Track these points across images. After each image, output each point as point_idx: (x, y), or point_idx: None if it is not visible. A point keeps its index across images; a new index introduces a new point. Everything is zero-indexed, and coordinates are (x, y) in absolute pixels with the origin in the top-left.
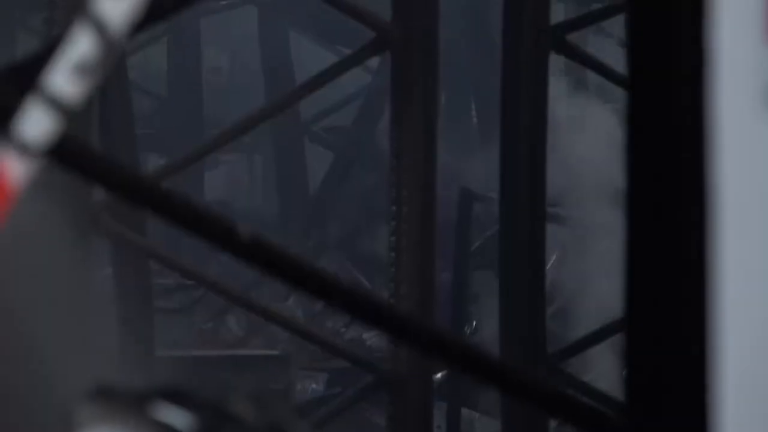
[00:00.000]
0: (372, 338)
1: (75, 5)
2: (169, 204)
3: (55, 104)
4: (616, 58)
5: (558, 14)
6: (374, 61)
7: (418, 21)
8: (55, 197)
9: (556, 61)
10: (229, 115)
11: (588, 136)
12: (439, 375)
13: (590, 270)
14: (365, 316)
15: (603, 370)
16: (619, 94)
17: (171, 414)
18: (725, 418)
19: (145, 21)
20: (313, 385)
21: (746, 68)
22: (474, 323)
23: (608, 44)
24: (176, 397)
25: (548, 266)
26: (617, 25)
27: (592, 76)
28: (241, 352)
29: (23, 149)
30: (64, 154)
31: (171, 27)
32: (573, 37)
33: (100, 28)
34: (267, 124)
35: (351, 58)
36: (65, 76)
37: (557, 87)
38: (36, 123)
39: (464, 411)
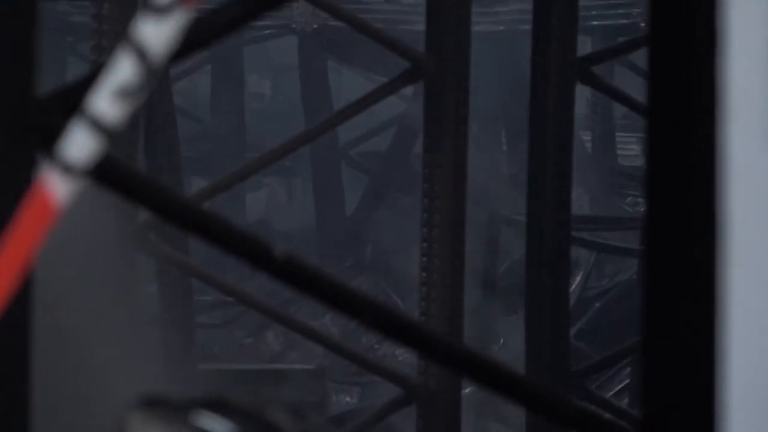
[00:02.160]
0: (404, 354)
1: (120, 33)
2: (210, 225)
3: (98, 126)
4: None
5: (585, 47)
6: (408, 90)
7: (450, 53)
8: (103, 217)
9: (582, 91)
10: (269, 139)
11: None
12: (467, 390)
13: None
14: (396, 334)
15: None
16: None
17: (213, 422)
18: None
19: (187, 48)
20: (347, 398)
21: (755, 102)
22: (501, 341)
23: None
24: (217, 406)
25: (572, 287)
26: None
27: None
28: (279, 366)
29: (67, 169)
30: (107, 175)
31: (215, 55)
32: (599, 69)
33: (141, 54)
34: (306, 148)
35: (386, 87)
36: (108, 100)
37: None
38: (80, 144)
39: (493, 425)
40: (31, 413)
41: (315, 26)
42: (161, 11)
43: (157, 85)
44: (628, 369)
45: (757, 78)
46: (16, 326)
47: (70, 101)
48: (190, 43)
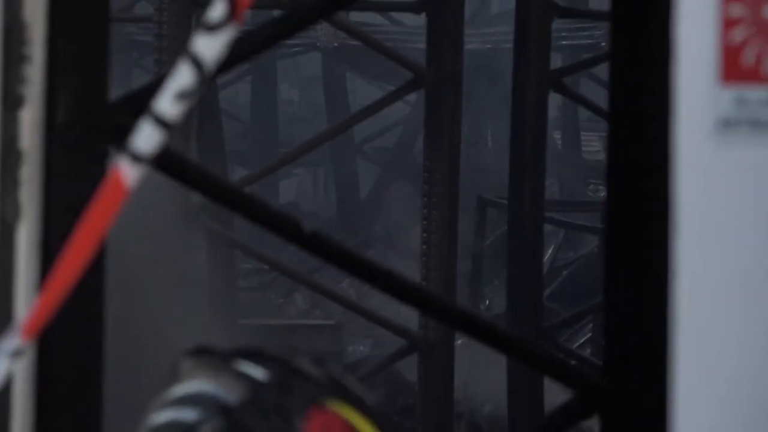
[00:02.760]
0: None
1: (175, 50)
2: (250, 206)
3: (160, 123)
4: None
5: (556, 62)
6: (412, 97)
7: (446, 66)
8: (164, 199)
9: (554, 98)
10: (298, 137)
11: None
12: (459, 341)
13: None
14: (401, 296)
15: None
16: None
17: (250, 368)
18: (678, 380)
19: (232, 61)
20: (361, 348)
21: (703, 105)
22: (487, 302)
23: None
24: (254, 355)
25: (545, 258)
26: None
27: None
28: (305, 322)
29: (135, 159)
30: (168, 164)
31: (254, 67)
32: (568, 80)
33: (196, 64)
34: (327, 144)
35: (393, 94)
36: (168, 102)
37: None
38: (145, 138)
39: (480, 370)
40: (105, 361)
41: (336, 44)
42: (212, 30)
43: (207, 90)
44: (591, 325)
45: (703, 87)
46: (93, 289)
47: (135, 104)
48: (234, 57)
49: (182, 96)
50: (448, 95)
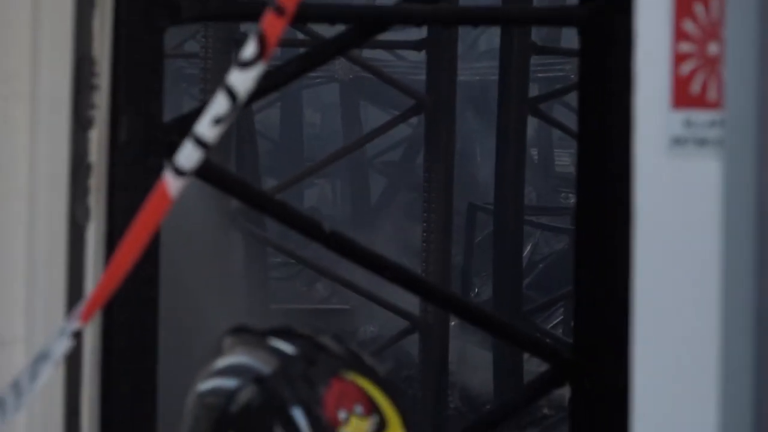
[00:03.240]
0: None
1: (219, 80)
2: (280, 210)
3: (199, 144)
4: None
5: (534, 91)
6: (414, 120)
7: (442, 94)
8: (207, 204)
9: (532, 121)
10: (319, 153)
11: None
12: (453, 323)
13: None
14: (405, 284)
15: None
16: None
17: (281, 344)
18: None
19: (264, 91)
20: (371, 329)
21: (658, 125)
22: (476, 290)
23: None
24: (284, 333)
25: (525, 253)
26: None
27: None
28: (325, 307)
29: (178, 173)
30: (210, 175)
31: (283, 95)
32: (543, 106)
33: (232, 94)
34: (344, 159)
35: (398, 117)
36: (207, 126)
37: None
38: (187, 156)
39: (470, 347)
40: (158, 338)
41: (351, 76)
42: (245, 66)
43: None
44: (562, 309)
45: (657, 112)
46: (148, 278)
47: (184, 125)
48: (266, 87)
49: (218, 121)
50: (444, 118)
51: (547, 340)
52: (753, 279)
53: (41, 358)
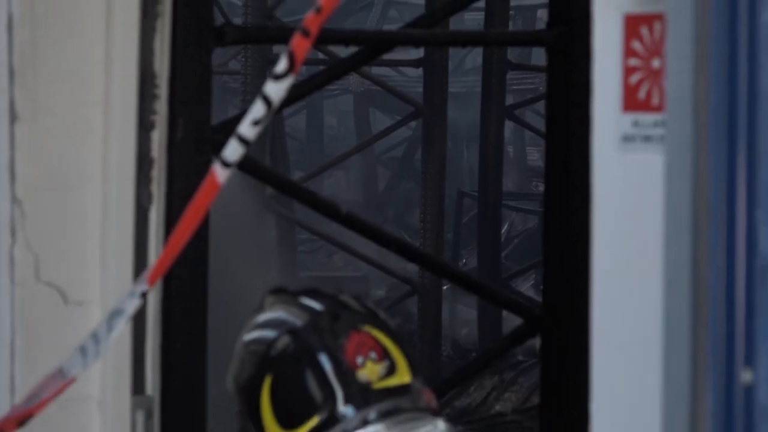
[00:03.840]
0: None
1: (256, 92)
2: (305, 195)
3: (241, 141)
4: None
5: (510, 100)
6: (413, 124)
7: (436, 102)
8: (246, 191)
9: (508, 124)
10: (336, 151)
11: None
12: (446, 287)
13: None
14: (406, 255)
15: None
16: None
17: (309, 301)
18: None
19: (292, 99)
20: (379, 292)
21: (611, 125)
22: (464, 260)
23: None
24: (312, 293)
25: (503, 230)
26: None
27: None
28: (341, 274)
29: (224, 165)
30: (249, 167)
31: (308, 103)
32: (518, 112)
33: (267, 102)
34: (356, 155)
35: (400, 122)
36: (247, 127)
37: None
38: (231, 151)
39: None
40: (207, 300)
41: (362, 89)
42: (278, 78)
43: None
44: (534, 275)
45: (611, 114)
46: (199, 253)
47: (228, 128)
48: (294, 96)
49: (256, 123)
50: (437, 122)
51: (521, 300)
52: (689, 247)
53: (116, 314)
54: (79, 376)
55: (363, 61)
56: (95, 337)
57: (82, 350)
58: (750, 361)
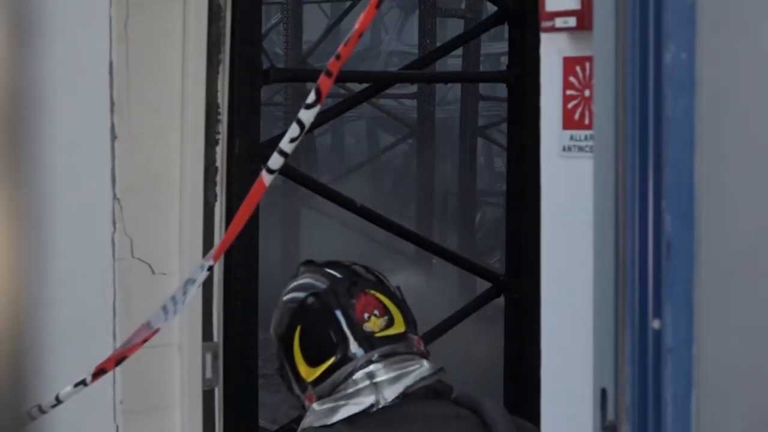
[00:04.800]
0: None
1: (292, 118)
2: (330, 194)
3: (282, 154)
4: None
5: (481, 122)
6: (410, 141)
7: (426, 125)
8: (286, 192)
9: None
10: (353, 161)
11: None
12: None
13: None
14: (404, 236)
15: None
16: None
17: (332, 270)
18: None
19: (319, 123)
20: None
21: (554, 139)
22: (447, 240)
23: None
24: (335, 264)
25: (476, 219)
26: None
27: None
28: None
29: (269, 171)
30: (289, 172)
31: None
32: (488, 132)
33: (300, 125)
34: (366, 165)
35: (400, 140)
36: (286, 144)
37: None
38: (274, 161)
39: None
40: (258, 269)
41: (372, 115)
42: (309, 107)
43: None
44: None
45: (554, 131)
46: (251, 236)
47: (273, 144)
48: (320, 121)
49: (293, 140)
50: (428, 140)
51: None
52: (612, 228)
53: (189, 282)
54: (162, 328)
55: (372, 94)
56: (174, 299)
57: (164, 308)
58: (658, 313)
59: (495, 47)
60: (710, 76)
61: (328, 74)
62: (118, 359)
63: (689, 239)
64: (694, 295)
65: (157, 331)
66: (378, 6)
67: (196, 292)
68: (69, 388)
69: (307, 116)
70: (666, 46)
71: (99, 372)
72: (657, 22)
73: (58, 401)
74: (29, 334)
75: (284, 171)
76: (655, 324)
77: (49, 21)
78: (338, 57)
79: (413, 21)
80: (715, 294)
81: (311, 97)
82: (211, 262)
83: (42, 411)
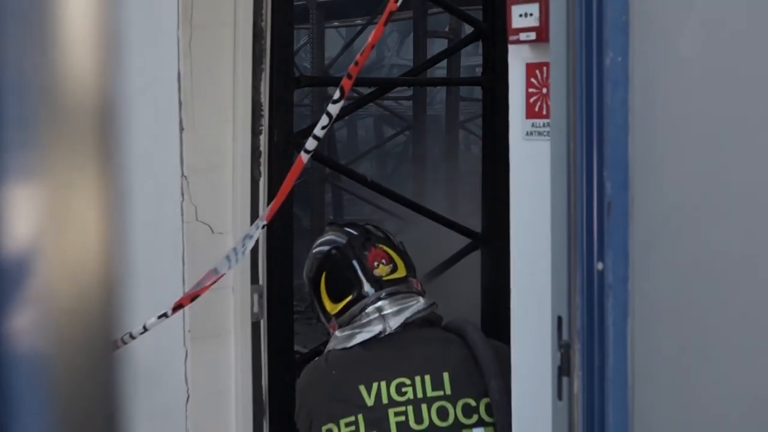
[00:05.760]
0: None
1: (320, 116)
2: (348, 172)
3: (315, 138)
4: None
5: (462, 117)
6: (407, 133)
7: (419, 121)
8: (314, 170)
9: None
10: (365, 148)
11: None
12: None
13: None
14: (403, 203)
15: None
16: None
17: (350, 229)
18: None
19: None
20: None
21: (519, 126)
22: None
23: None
24: (352, 225)
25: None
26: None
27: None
28: (369, 218)
29: (306, 152)
30: (316, 156)
31: (346, 122)
32: (468, 125)
33: (328, 116)
34: (375, 151)
35: (399, 132)
36: (318, 130)
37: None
38: (309, 144)
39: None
40: (293, 229)
41: (378, 113)
42: (335, 102)
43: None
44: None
45: (517, 120)
46: (288, 203)
47: (305, 133)
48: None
49: (323, 128)
50: (421, 132)
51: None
52: (565, 192)
53: (247, 237)
54: (225, 274)
55: (377, 96)
56: (235, 250)
57: (227, 258)
58: (601, 258)
59: (471, 60)
60: (639, 74)
61: (349, 76)
62: (192, 297)
63: (625, 200)
64: (629, 243)
65: (222, 275)
66: (385, 24)
67: (251, 245)
68: (153, 319)
69: (333, 109)
70: (606, 52)
71: (177, 307)
72: (599, 34)
73: (145, 329)
74: (118, 280)
75: (313, 155)
76: (599, 266)
77: (133, 40)
78: (356, 63)
79: (409, 41)
80: (646, 243)
81: (336, 95)
82: (264, 222)
83: (132, 337)
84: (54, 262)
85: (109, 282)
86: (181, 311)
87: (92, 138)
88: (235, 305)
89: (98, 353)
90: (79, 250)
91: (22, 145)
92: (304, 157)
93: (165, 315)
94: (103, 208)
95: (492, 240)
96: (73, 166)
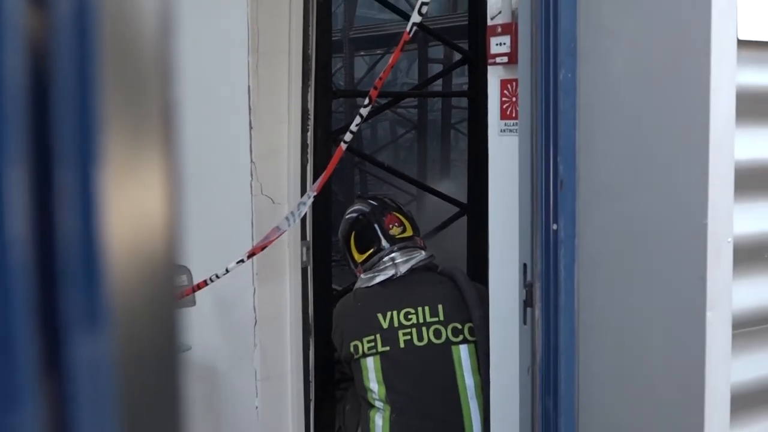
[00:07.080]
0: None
1: (352, 119)
2: (370, 159)
3: (351, 133)
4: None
5: (453, 119)
6: (413, 132)
7: (422, 123)
8: (345, 159)
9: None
10: (384, 142)
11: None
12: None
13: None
14: (412, 182)
15: None
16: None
17: (372, 201)
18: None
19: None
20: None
21: (496, 126)
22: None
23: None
24: (374, 198)
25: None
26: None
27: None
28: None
29: (344, 143)
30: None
31: (369, 124)
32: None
33: (360, 115)
34: (388, 146)
35: (407, 132)
36: (354, 126)
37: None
38: (348, 136)
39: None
40: (332, 199)
41: (392, 117)
42: (365, 107)
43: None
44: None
45: (495, 120)
46: (329, 182)
47: (342, 131)
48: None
49: (357, 125)
50: (423, 132)
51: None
52: (529, 177)
53: (301, 204)
54: (286, 231)
55: (392, 105)
56: (292, 213)
57: (287, 219)
58: (556, 220)
59: (460, 79)
60: (585, 86)
61: (375, 88)
62: (263, 247)
63: (573, 178)
64: (576, 210)
65: (284, 232)
66: (402, 50)
67: (305, 211)
68: (233, 263)
69: (363, 111)
70: (560, 70)
71: (251, 254)
72: (555, 57)
73: (227, 271)
74: (177, 259)
75: (348, 147)
76: (554, 226)
77: (215, 63)
78: (380, 78)
79: (414, 66)
80: (588, 209)
81: (366, 101)
82: (314, 193)
83: (217, 276)
84: (119, 243)
85: (169, 262)
86: (253, 258)
87: (157, 128)
88: (289, 255)
89: (161, 328)
90: (143, 232)
91: (93, 131)
92: (343, 146)
93: (242, 261)
94: (166, 192)
95: (475, 209)
96: (139, 154)
